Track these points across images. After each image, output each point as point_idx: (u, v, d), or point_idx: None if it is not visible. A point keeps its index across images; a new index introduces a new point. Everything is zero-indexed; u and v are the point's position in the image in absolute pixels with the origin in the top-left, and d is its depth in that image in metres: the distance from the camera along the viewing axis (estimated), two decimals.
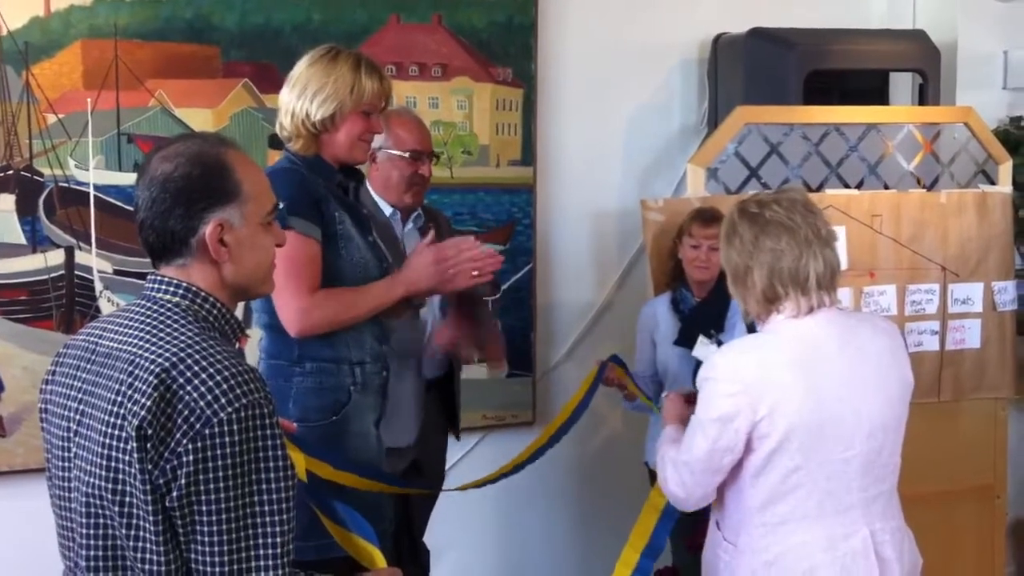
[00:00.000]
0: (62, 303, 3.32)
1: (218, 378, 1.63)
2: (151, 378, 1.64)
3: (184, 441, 1.60)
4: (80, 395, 1.75)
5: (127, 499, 1.65)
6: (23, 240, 3.28)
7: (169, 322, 1.72)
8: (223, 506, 1.61)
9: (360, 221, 2.60)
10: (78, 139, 3.30)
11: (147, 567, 1.66)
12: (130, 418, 1.63)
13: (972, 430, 3.80)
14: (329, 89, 2.51)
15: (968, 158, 3.89)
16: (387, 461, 2.68)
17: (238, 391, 1.63)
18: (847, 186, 3.75)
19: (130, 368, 1.68)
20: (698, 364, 3.19)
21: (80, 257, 3.33)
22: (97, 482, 1.68)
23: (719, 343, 3.25)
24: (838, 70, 3.88)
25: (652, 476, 3.40)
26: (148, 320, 1.74)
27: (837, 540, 2.26)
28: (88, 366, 1.76)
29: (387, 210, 3.06)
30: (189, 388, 1.62)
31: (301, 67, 2.57)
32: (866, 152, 3.77)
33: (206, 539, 1.62)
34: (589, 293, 4.02)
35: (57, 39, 3.26)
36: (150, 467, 1.61)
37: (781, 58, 3.76)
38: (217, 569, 1.62)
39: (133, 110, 3.35)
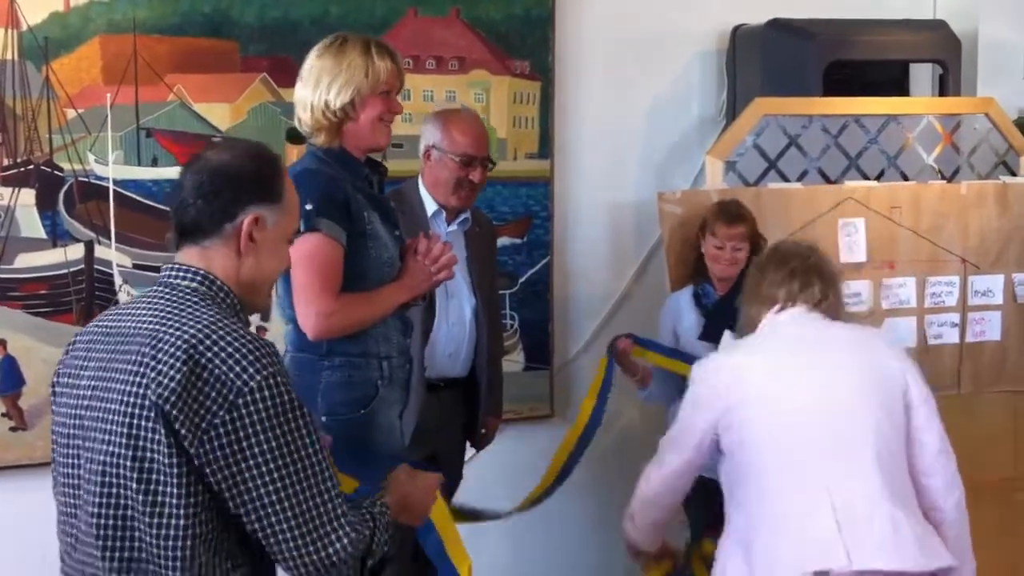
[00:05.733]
0: (82, 297, 3.34)
1: (243, 350, 1.73)
2: (178, 352, 1.72)
3: (220, 412, 1.70)
4: (94, 371, 1.81)
5: (148, 466, 1.72)
6: (43, 234, 3.29)
7: (189, 304, 1.80)
8: (272, 466, 1.72)
9: (387, 216, 2.60)
10: (97, 134, 3.32)
11: (162, 532, 1.72)
12: (155, 387, 1.71)
13: (992, 423, 3.78)
14: (344, 76, 2.52)
15: (989, 149, 3.87)
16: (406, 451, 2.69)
17: (264, 360, 1.73)
18: (866, 178, 3.73)
19: (153, 342, 1.75)
20: None
21: (100, 251, 3.35)
22: (116, 450, 1.75)
23: None
24: (858, 61, 3.86)
25: None
26: (168, 302, 1.81)
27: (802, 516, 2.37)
28: (103, 345, 1.83)
29: (431, 207, 3.07)
30: (217, 361, 1.71)
31: (311, 60, 2.58)
32: (886, 144, 3.75)
33: (268, 505, 1.73)
34: (606, 286, 4.01)
35: (76, 34, 3.27)
36: (185, 434, 1.70)
37: (800, 49, 3.75)
38: (288, 533, 1.74)
39: (152, 105, 3.36)
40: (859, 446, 2.38)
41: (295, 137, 3.46)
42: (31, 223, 3.28)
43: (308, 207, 2.41)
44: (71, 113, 3.28)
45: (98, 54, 3.29)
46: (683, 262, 3.45)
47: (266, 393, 1.72)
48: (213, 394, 1.71)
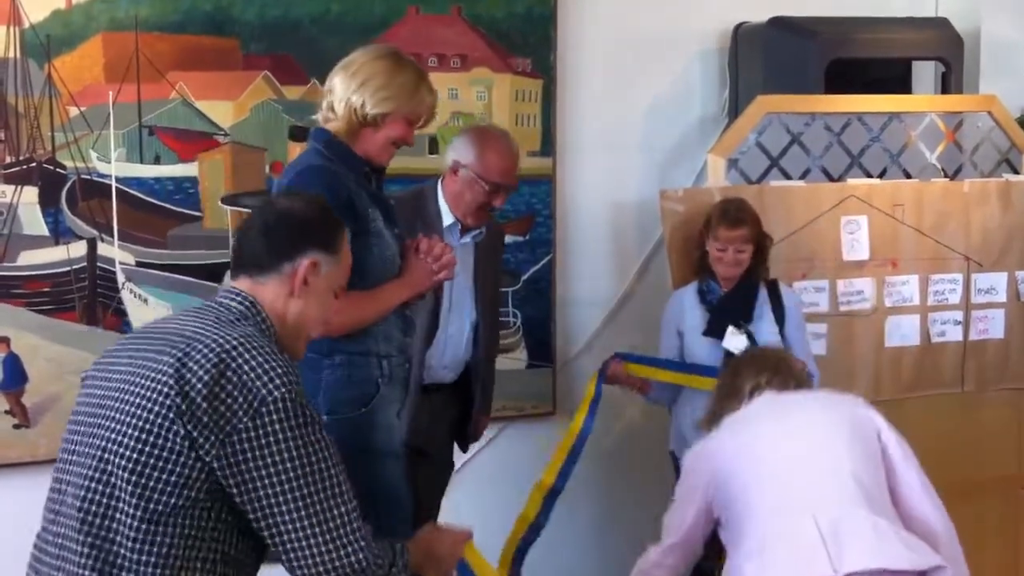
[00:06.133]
0: (85, 295, 3.34)
1: (272, 363, 1.81)
2: (210, 354, 1.80)
3: (244, 418, 1.77)
4: (127, 362, 1.89)
5: (150, 452, 1.78)
6: (46, 232, 3.29)
7: (232, 318, 1.92)
8: (292, 475, 1.79)
9: (387, 214, 2.60)
10: (100, 132, 3.32)
11: (144, 522, 1.78)
12: (182, 384, 1.78)
13: (996, 420, 3.79)
14: (393, 89, 2.52)
15: (991, 147, 3.86)
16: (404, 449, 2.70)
17: (290, 377, 1.82)
18: (869, 176, 3.73)
19: (189, 341, 1.83)
20: (727, 354, 3.21)
21: (102, 249, 3.35)
22: (125, 429, 1.80)
23: (748, 333, 3.24)
24: (860, 59, 3.86)
25: (677, 464, 3.40)
26: (212, 315, 1.93)
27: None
28: (142, 342, 1.92)
29: (448, 219, 3.08)
30: (247, 368, 1.80)
31: (364, 58, 2.56)
32: (888, 141, 3.75)
33: (285, 512, 1.79)
34: (609, 284, 4.01)
35: (78, 32, 3.27)
36: (206, 434, 1.76)
37: (802, 47, 3.74)
38: (305, 541, 1.80)
39: (154, 102, 3.36)
40: (839, 475, 2.42)
41: (298, 135, 3.48)
42: (34, 221, 3.28)
43: None
44: (73, 111, 3.28)
45: (100, 52, 3.29)
46: (685, 260, 3.45)
47: (289, 405, 1.79)
48: (240, 399, 1.78)
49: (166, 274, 3.41)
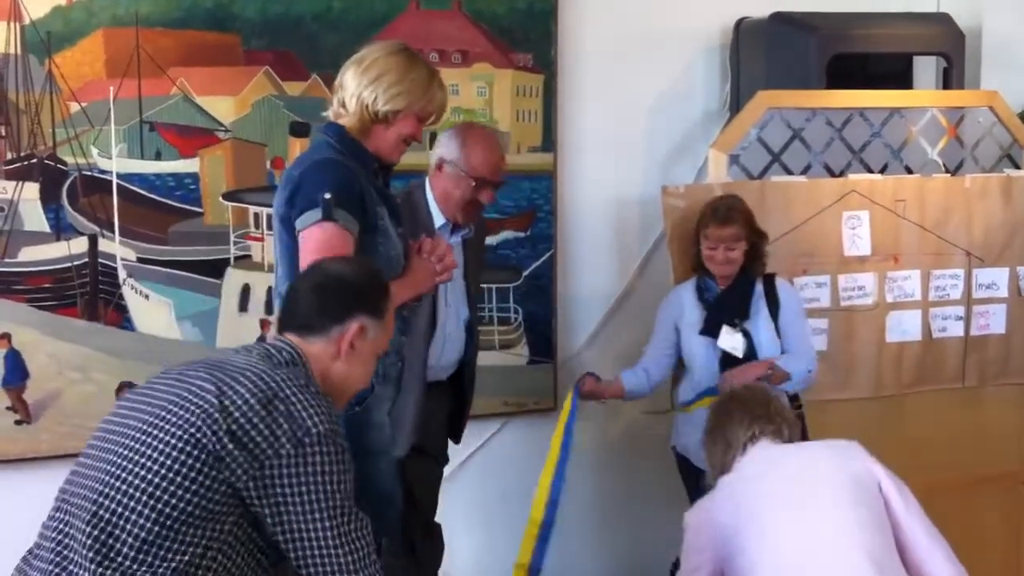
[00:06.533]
0: (86, 291, 3.34)
1: (317, 401, 1.93)
2: (259, 383, 1.92)
3: (287, 444, 1.87)
4: (173, 378, 1.99)
5: (183, 456, 1.85)
6: (47, 228, 3.29)
7: (280, 361, 2.03)
8: (325, 505, 1.90)
9: (394, 212, 2.60)
10: (101, 128, 3.32)
11: (159, 503, 1.84)
12: (228, 397, 1.88)
13: (997, 416, 3.79)
14: (406, 85, 2.53)
15: (993, 142, 3.86)
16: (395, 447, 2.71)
17: (333, 418, 1.94)
18: (870, 171, 3.73)
19: (238, 369, 1.95)
20: (724, 353, 3.21)
21: (103, 245, 3.35)
22: (159, 433, 1.88)
23: (744, 331, 3.24)
24: (861, 54, 3.85)
25: (680, 460, 3.41)
26: (261, 353, 2.04)
27: None
28: (187, 367, 2.02)
29: (439, 220, 3.06)
30: (294, 400, 1.91)
31: (376, 55, 2.56)
32: (890, 137, 3.75)
33: (315, 539, 1.91)
34: (610, 279, 4.01)
35: (79, 28, 3.27)
36: (245, 455, 1.86)
37: (803, 42, 3.74)
38: (330, 565, 1.91)
39: (155, 98, 3.36)
40: (854, 558, 2.36)
41: (299, 131, 3.48)
42: (35, 217, 3.28)
43: (327, 196, 2.41)
44: (74, 107, 3.28)
45: (101, 48, 3.29)
46: (686, 256, 3.45)
47: (330, 440, 1.91)
48: (285, 426, 1.88)
49: (167, 270, 3.41)
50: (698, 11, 4.00)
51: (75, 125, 3.29)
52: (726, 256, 3.25)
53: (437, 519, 3.26)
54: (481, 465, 3.84)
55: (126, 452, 1.89)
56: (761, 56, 3.83)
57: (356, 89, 2.53)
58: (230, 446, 1.85)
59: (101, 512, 1.86)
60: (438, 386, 3.17)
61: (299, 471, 1.88)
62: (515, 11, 3.72)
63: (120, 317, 3.38)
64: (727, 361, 3.22)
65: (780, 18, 3.80)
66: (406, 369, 2.69)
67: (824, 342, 3.58)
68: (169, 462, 1.85)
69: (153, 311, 3.41)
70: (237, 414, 1.87)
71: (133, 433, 1.91)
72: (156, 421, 1.90)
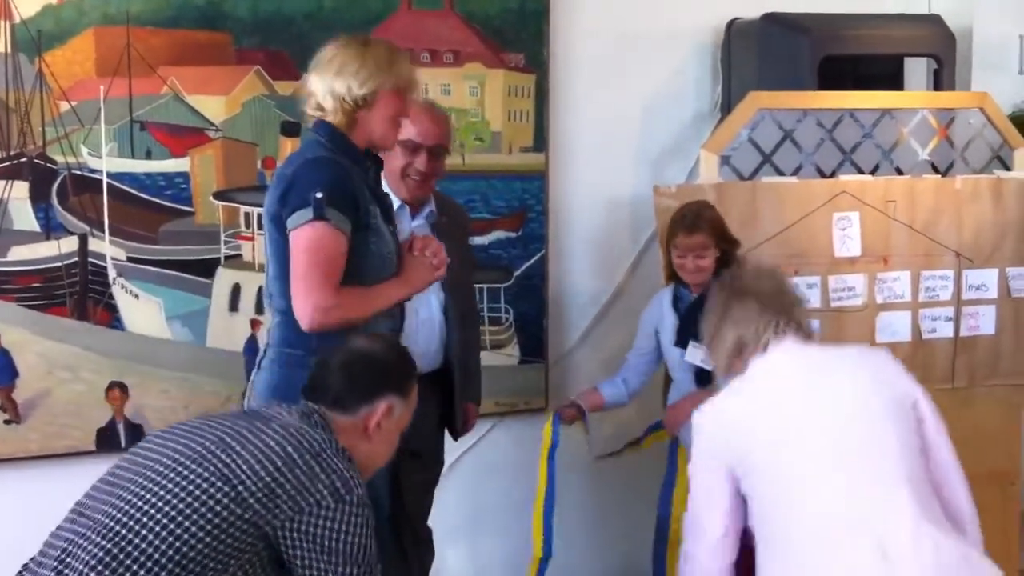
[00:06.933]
0: (76, 290, 3.34)
1: (352, 467, 2.07)
2: (302, 437, 2.04)
3: (328, 496, 2.00)
4: (220, 419, 2.12)
5: (227, 500, 1.96)
6: (37, 227, 3.29)
7: (316, 423, 2.14)
8: (358, 558, 2.04)
9: (386, 211, 2.60)
10: (91, 126, 3.31)
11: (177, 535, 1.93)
12: (270, 447, 2.01)
13: (987, 416, 3.79)
14: (370, 67, 2.53)
15: (983, 144, 3.87)
16: None
17: (364, 488, 2.08)
18: (861, 172, 3.73)
19: (283, 424, 2.06)
20: (697, 367, 3.20)
21: (93, 244, 3.34)
22: (199, 470, 1.99)
23: None
24: (852, 55, 3.86)
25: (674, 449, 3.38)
26: (302, 413, 2.14)
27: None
28: (237, 413, 2.22)
29: (396, 202, 3.04)
30: (336, 461, 2.04)
31: (333, 51, 2.57)
32: (880, 138, 3.75)
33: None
34: (602, 279, 4.01)
35: (70, 27, 3.26)
36: (285, 502, 1.98)
37: (795, 43, 3.74)
38: None
39: (145, 97, 3.35)
40: (888, 474, 2.22)
41: (290, 130, 3.47)
42: (24, 216, 3.27)
43: (319, 195, 2.40)
44: (64, 106, 3.27)
45: (92, 46, 3.28)
46: (668, 261, 3.44)
47: (365, 505, 2.05)
48: (326, 480, 2.01)
49: (157, 269, 3.41)
50: (689, 12, 4.00)
51: (65, 124, 3.28)
52: (696, 264, 3.20)
53: (429, 522, 3.25)
54: (472, 465, 3.84)
55: (157, 478, 1.97)
56: (752, 57, 3.84)
57: (325, 87, 2.54)
58: (267, 490, 1.94)
59: (119, 530, 1.93)
60: (427, 383, 3.14)
61: (337, 525, 2.00)
62: (507, 11, 3.72)
63: (110, 316, 3.37)
64: (701, 373, 3.21)
65: (771, 19, 3.80)
66: None
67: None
68: (198, 492, 1.93)
69: (143, 310, 3.40)
70: (279, 462, 1.98)
71: (168, 463, 1.99)
72: (196, 456, 1.98)
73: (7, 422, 3.29)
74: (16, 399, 3.30)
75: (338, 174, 2.47)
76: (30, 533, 3.26)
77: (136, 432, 3.38)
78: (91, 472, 3.39)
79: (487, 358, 3.55)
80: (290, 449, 2.01)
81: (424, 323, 3.09)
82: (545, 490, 3.22)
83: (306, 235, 2.42)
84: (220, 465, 1.97)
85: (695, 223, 3.20)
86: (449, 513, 3.48)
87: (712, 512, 2.34)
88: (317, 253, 2.43)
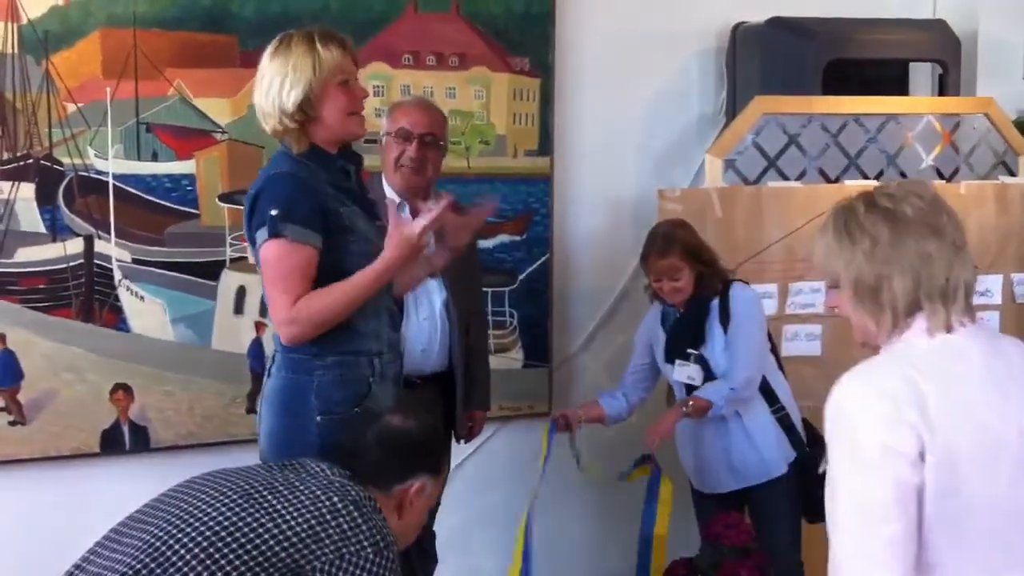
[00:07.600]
0: (81, 291, 3.34)
1: (387, 530, 2.16)
2: (350, 496, 2.14)
3: (367, 545, 2.08)
4: (265, 469, 2.24)
5: (250, 533, 2.03)
6: (43, 229, 3.29)
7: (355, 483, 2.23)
8: None
9: (366, 207, 2.58)
10: (97, 128, 3.31)
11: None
12: (317, 496, 2.10)
13: None
14: (292, 75, 2.45)
15: (988, 149, 3.87)
16: None
17: (393, 538, 2.17)
18: (866, 177, 3.73)
19: (332, 481, 2.17)
20: (686, 385, 3.20)
21: (99, 246, 3.34)
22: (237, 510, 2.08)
23: (700, 358, 3.19)
24: (857, 60, 3.86)
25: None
26: (344, 475, 2.22)
27: None
28: (282, 462, 2.26)
29: (396, 200, 3.03)
30: (376, 517, 2.14)
31: (262, 65, 2.53)
32: (885, 143, 3.76)
33: None
34: (606, 283, 4.01)
35: (76, 28, 3.26)
36: (324, 547, 2.05)
37: (800, 48, 3.75)
38: None
39: (152, 99, 3.36)
40: None
41: None
42: (31, 217, 3.27)
43: (273, 213, 2.39)
44: (71, 107, 3.27)
45: (98, 48, 3.28)
46: None
47: (397, 562, 2.14)
48: (366, 530, 2.09)
49: (163, 271, 3.41)
50: (695, 16, 4.00)
51: (72, 125, 3.28)
52: (672, 287, 3.17)
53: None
54: (476, 469, 3.84)
55: (203, 506, 2.05)
56: (757, 61, 3.84)
57: (269, 105, 2.48)
58: (311, 532, 2.03)
59: (163, 549, 1.99)
60: (428, 385, 3.14)
61: (370, 569, 2.06)
62: (512, 14, 3.73)
63: (115, 318, 3.38)
64: (691, 390, 3.21)
65: (777, 23, 3.81)
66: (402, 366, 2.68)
67: (818, 347, 3.59)
68: (241, 524, 2.01)
69: (148, 312, 3.41)
70: (324, 509, 2.07)
71: (215, 494, 2.08)
72: (243, 492, 2.07)
73: (12, 423, 3.29)
74: (21, 400, 3.30)
75: (293, 187, 2.43)
76: (34, 533, 3.29)
77: (140, 434, 3.39)
78: (95, 473, 3.42)
79: (491, 362, 3.55)
80: (336, 499, 2.10)
81: (424, 321, 3.09)
82: (528, 515, 3.17)
83: (264, 254, 2.43)
84: (266, 504, 2.05)
85: (665, 246, 3.15)
86: (453, 515, 3.48)
87: (885, 518, 1.69)
88: (275, 270, 2.42)
